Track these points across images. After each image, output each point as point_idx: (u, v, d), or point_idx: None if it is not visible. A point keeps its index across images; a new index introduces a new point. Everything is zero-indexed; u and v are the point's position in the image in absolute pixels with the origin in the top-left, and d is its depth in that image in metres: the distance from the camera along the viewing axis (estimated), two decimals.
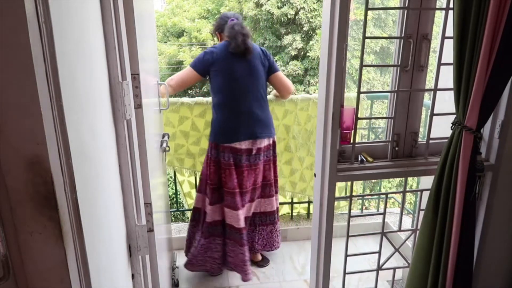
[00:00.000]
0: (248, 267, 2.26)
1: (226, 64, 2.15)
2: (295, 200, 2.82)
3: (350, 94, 2.33)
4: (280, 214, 2.89)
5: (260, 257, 2.47)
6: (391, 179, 7.18)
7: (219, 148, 2.19)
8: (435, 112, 1.54)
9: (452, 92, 1.38)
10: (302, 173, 2.66)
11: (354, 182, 1.66)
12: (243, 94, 2.16)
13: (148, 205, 1.35)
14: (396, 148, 1.62)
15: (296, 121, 2.53)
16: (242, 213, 2.23)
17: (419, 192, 1.88)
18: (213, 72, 2.16)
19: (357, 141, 1.55)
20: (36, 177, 0.65)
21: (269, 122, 2.25)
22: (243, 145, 2.17)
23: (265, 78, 2.24)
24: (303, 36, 10.03)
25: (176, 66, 10.80)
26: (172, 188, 3.49)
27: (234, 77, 2.15)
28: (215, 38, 2.32)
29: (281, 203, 2.85)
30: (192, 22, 10.99)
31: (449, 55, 1.38)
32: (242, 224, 2.22)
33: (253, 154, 2.20)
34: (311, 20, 9.91)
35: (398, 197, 3.13)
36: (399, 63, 1.50)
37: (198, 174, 2.57)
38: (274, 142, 2.31)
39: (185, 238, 2.63)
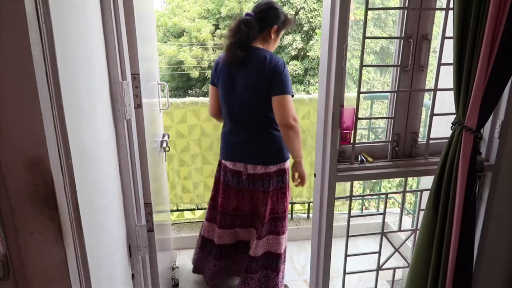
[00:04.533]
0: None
1: (223, 73, 1.89)
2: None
3: (350, 94, 2.32)
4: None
5: None
6: (391, 179, 7.19)
7: (221, 164, 2.06)
8: (435, 112, 1.54)
9: (452, 92, 1.38)
10: None
11: (354, 182, 1.66)
12: (236, 111, 1.90)
13: (148, 205, 1.35)
14: (396, 148, 1.62)
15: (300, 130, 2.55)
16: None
17: (419, 192, 1.88)
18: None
19: (357, 141, 1.55)
20: (36, 177, 0.65)
21: (266, 150, 1.91)
22: (234, 165, 1.97)
23: (263, 96, 1.80)
24: (303, 36, 10.04)
25: (176, 66, 10.80)
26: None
27: (228, 90, 1.89)
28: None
29: None
30: (192, 22, 10.99)
31: (449, 55, 1.38)
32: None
33: (244, 179, 1.96)
34: (311, 20, 9.92)
35: (398, 197, 3.13)
36: (399, 63, 1.50)
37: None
38: (281, 170, 1.92)
39: (185, 238, 2.62)
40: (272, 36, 1.87)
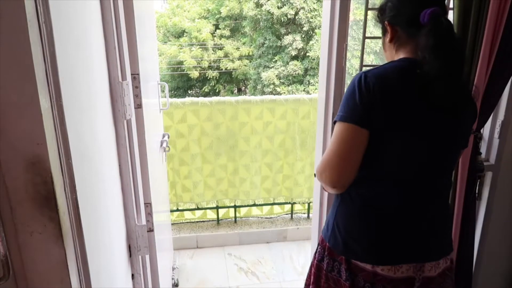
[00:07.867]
0: None
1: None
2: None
3: None
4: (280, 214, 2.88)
5: None
6: None
7: (351, 267, 1.03)
8: None
9: None
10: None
11: None
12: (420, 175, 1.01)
13: (148, 205, 1.35)
14: None
15: (300, 130, 2.54)
16: None
17: None
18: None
19: None
20: (36, 177, 0.65)
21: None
22: (397, 271, 1.01)
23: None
24: (303, 36, 10.05)
25: (176, 66, 10.81)
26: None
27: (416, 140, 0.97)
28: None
29: (282, 203, 2.85)
30: (193, 22, 11.01)
31: None
32: None
33: None
34: (311, 20, 9.93)
35: None
36: None
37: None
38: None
39: (185, 238, 2.62)
40: None
